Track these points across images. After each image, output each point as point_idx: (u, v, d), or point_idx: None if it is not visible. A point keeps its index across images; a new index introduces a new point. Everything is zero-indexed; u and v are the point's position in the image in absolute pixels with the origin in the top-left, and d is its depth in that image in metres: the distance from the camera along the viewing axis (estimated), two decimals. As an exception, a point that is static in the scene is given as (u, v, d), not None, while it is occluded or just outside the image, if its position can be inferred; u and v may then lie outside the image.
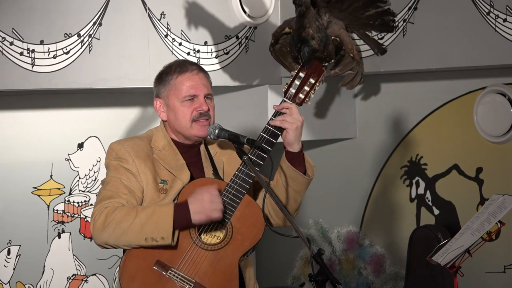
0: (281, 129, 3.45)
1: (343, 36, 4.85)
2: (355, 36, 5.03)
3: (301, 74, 3.50)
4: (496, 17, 4.49)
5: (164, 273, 3.39)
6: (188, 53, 5.00)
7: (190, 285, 3.38)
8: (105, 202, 3.41)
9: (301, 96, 3.49)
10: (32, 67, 4.54)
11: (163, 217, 3.34)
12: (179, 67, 3.56)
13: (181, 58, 4.93)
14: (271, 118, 3.47)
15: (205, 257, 3.41)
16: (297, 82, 3.49)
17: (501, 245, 4.99)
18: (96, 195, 3.53)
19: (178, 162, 3.52)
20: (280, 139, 3.47)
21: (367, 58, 5.05)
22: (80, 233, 5.23)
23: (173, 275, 3.39)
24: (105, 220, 3.36)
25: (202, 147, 3.61)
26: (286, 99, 3.49)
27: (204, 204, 3.35)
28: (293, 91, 3.49)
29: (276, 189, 3.53)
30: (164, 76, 3.57)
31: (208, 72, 3.62)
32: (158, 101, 3.58)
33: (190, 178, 3.50)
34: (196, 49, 5.04)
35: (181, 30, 4.99)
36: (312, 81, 3.50)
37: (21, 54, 4.51)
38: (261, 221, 3.45)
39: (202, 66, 3.64)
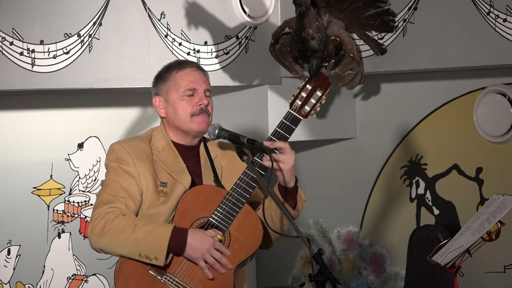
0: (286, 139, 3.44)
1: (343, 36, 4.85)
2: (355, 36, 5.03)
3: (308, 86, 3.48)
4: (496, 17, 4.49)
5: (160, 277, 3.38)
6: (188, 53, 5.00)
7: None
8: (104, 207, 3.40)
9: (307, 108, 3.48)
10: (32, 67, 4.54)
11: (159, 238, 3.33)
12: (179, 64, 3.58)
13: (181, 58, 4.93)
14: (262, 148, 3.41)
15: None
16: (303, 94, 3.48)
17: (501, 245, 4.98)
18: (96, 196, 3.52)
19: (179, 165, 3.51)
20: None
21: (367, 58, 5.05)
22: (80, 233, 5.23)
23: (168, 281, 3.38)
24: (103, 228, 3.36)
25: (202, 149, 3.60)
26: (273, 138, 3.46)
27: (203, 250, 3.35)
28: (299, 103, 3.48)
29: (265, 213, 3.50)
30: (164, 73, 3.57)
31: (207, 72, 3.62)
32: (157, 98, 3.57)
33: (191, 182, 3.50)
34: (196, 49, 5.04)
35: (181, 30, 4.99)
36: (318, 93, 3.49)
37: (21, 54, 4.51)
38: (259, 231, 3.45)
39: (202, 66, 3.64)
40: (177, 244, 3.34)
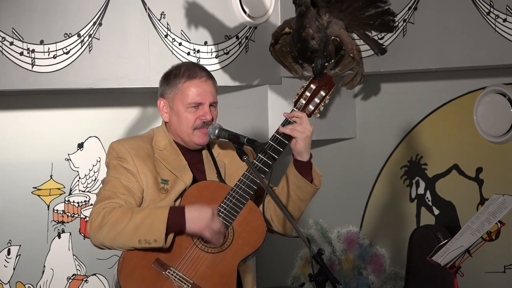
0: (289, 138, 3.46)
1: (343, 36, 4.85)
2: (355, 36, 5.03)
3: (312, 86, 3.52)
4: (496, 17, 4.49)
5: (163, 272, 3.39)
6: (188, 53, 5.00)
7: (188, 286, 3.38)
8: (103, 203, 3.41)
9: (311, 107, 3.52)
10: (32, 67, 4.54)
11: (157, 220, 3.33)
12: (188, 71, 3.52)
13: (181, 58, 4.93)
14: (280, 126, 3.47)
15: (204, 259, 3.40)
16: (307, 94, 3.51)
17: (501, 245, 4.99)
18: (96, 194, 3.53)
19: (180, 162, 3.52)
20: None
21: (367, 58, 5.05)
22: (80, 233, 5.23)
23: (172, 275, 3.39)
24: (102, 221, 3.36)
25: (204, 148, 3.61)
26: (295, 109, 3.50)
27: (204, 220, 3.34)
28: (304, 102, 3.51)
29: (281, 196, 3.53)
30: (172, 78, 3.54)
31: (215, 80, 3.60)
32: (162, 101, 3.56)
33: (192, 179, 3.50)
34: (196, 49, 5.04)
35: (181, 30, 4.99)
36: (322, 93, 3.52)
37: (21, 54, 4.51)
38: (262, 228, 3.45)
39: (212, 74, 3.60)
40: (176, 222, 3.33)
